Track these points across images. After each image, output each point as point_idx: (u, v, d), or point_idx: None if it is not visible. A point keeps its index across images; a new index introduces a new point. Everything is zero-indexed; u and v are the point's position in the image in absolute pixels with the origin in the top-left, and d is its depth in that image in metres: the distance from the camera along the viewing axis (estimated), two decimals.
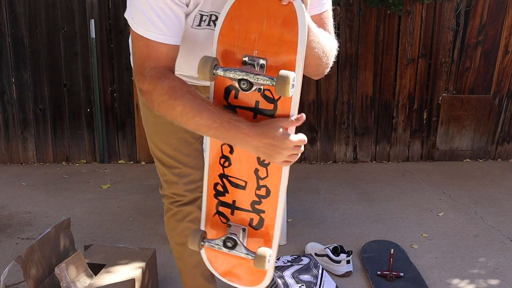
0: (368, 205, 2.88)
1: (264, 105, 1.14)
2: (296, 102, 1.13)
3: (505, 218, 2.69)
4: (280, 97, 1.12)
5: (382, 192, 3.09)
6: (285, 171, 1.19)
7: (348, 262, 2.12)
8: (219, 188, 1.26)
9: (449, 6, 3.39)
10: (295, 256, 2.11)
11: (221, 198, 1.26)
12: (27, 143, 3.64)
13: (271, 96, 1.13)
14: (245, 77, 1.06)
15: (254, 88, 1.07)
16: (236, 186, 1.24)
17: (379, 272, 2.08)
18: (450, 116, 3.62)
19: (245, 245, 1.22)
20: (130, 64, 3.66)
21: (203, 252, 1.30)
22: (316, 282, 1.91)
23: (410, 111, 3.61)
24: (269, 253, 1.17)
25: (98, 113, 3.55)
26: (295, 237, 2.46)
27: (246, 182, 1.23)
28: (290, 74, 1.02)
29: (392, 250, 2.11)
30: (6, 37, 3.43)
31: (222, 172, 1.24)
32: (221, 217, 1.27)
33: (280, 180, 1.20)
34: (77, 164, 3.66)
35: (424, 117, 3.63)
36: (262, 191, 1.22)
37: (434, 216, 2.72)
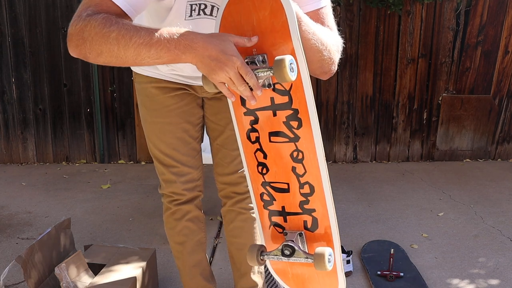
0: (368, 205, 2.88)
1: (279, 99, 1.14)
2: (308, 90, 1.10)
3: (505, 218, 2.69)
4: (291, 86, 1.11)
5: (382, 192, 3.09)
6: (322, 163, 1.16)
7: (348, 262, 2.12)
8: (266, 197, 1.24)
9: (449, 6, 3.39)
10: None
11: (271, 208, 1.25)
12: (27, 143, 3.64)
13: (282, 88, 1.12)
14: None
15: (260, 83, 1.06)
16: (280, 190, 1.23)
17: (379, 272, 2.08)
18: (450, 116, 3.62)
19: (304, 250, 1.20)
20: None
21: (271, 269, 1.28)
22: None
23: (410, 111, 3.61)
24: (328, 251, 1.14)
25: (98, 113, 3.55)
26: None
27: (288, 184, 1.21)
28: (285, 57, 0.99)
29: (392, 250, 2.11)
30: (6, 37, 3.43)
31: (263, 180, 1.23)
32: (276, 228, 1.26)
33: (320, 172, 1.17)
34: (77, 164, 3.66)
35: (424, 117, 3.63)
36: (306, 189, 1.20)
37: (434, 216, 2.72)
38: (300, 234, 1.23)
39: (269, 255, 1.20)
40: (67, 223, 1.94)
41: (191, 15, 1.23)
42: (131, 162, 3.69)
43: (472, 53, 3.50)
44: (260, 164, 1.22)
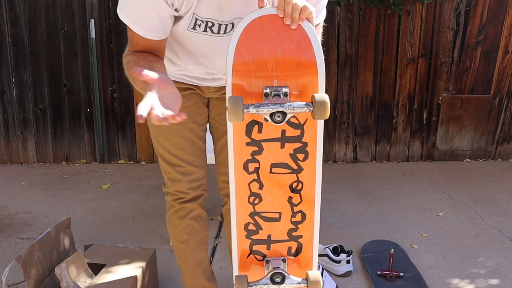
0: (368, 205, 2.88)
1: (291, 132, 1.13)
2: (321, 124, 1.12)
3: (505, 218, 2.69)
4: (306, 121, 1.11)
5: (382, 192, 3.09)
6: (319, 190, 1.17)
7: (348, 262, 2.12)
8: (251, 227, 1.22)
9: (449, 6, 3.39)
10: None
11: (255, 237, 1.22)
12: (27, 143, 3.64)
13: (297, 122, 1.12)
14: (280, 109, 1.03)
15: (287, 118, 1.04)
16: (271, 220, 1.21)
17: (379, 272, 2.08)
18: (450, 116, 3.62)
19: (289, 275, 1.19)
20: None
21: None
22: None
23: (410, 111, 3.61)
24: (319, 275, 1.16)
25: (98, 113, 3.55)
26: None
27: (280, 213, 1.20)
28: (326, 97, 1.01)
29: (392, 250, 2.11)
30: (6, 37, 3.43)
31: (253, 211, 1.20)
32: (256, 256, 1.24)
33: (314, 200, 1.18)
34: (77, 164, 3.66)
35: (424, 117, 3.63)
36: (298, 217, 1.20)
37: (434, 216, 2.72)
38: (284, 260, 1.22)
39: (257, 284, 1.17)
40: (67, 223, 1.94)
41: (194, 28, 1.25)
42: (131, 162, 3.69)
43: (472, 53, 3.50)
44: (253, 194, 1.19)
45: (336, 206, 2.86)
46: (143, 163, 3.68)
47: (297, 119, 1.11)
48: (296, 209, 1.19)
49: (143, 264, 1.83)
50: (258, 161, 1.15)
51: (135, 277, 1.73)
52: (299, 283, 1.17)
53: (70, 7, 3.38)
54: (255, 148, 1.14)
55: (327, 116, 1.01)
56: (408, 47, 3.47)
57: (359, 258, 2.26)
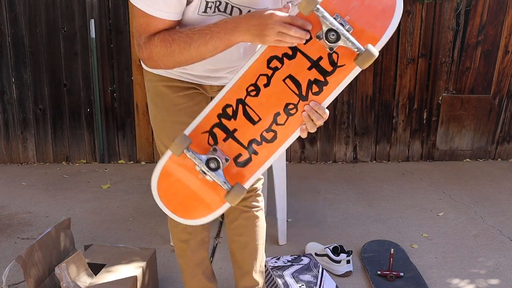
0: (368, 205, 2.88)
1: (325, 63, 1.16)
2: (348, 80, 1.17)
3: (505, 218, 2.69)
4: (343, 65, 1.15)
5: (382, 192, 3.09)
6: (297, 131, 1.21)
7: (348, 262, 2.12)
8: (228, 111, 1.22)
9: (449, 6, 3.39)
10: (295, 256, 2.11)
11: (224, 121, 1.23)
12: (27, 143, 3.64)
13: (335, 60, 1.15)
14: (338, 30, 1.09)
15: (338, 44, 1.10)
16: (248, 118, 1.22)
17: (379, 272, 2.08)
18: (450, 116, 3.62)
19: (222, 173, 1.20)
20: (130, 64, 3.67)
21: (169, 160, 1.24)
22: (316, 282, 1.91)
23: (410, 111, 3.61)
24: (244, 191, 1.16)
25: (98, 113, 3.55)
26: (295, 237, 2.46)
27: (260, 119, 1.21)
28: (376, 53, 1.08)
29: (392, 250, 2.11)
30: (6, 37, 3.43)
31: (242, 98, 1.21)
32: (210, 138, 1.24)
33: (292, 135, 1.21)
34: (77, 164, 3.66)
35: (424, 117, 3.63)
36: (269, 135, 1.21)
37: (434, 216, 2.72)
38: (227, 160, 1.22)
39: (194, 154, 1.18)
40: (67, 223, 1.94)
41: (205, 11, 1.24)
42: (131, 162, 3.69)
43: (472, 53, 3.50)
44: (255, 86, 1.21)
45: (336, 206, 2.86)
46: (143, 163, 3.68)
47: (338, 57, 1.15)
48: (274, 127, 1.21)
49: (143, 264, 1.83)
50: (283, 63, 1.18)
51: (135, 277, 1.73)
52: (224, 183, 1.17)
53: (70, 7, 3.38)
54: (289, 52, 1.18)
55: (365, 66, 1.09)
56: (408, 47, 3.47)
57: (359, 258, 2.26)
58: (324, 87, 1.17)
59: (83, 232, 2.54)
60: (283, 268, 1.99)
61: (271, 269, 1.97)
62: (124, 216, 2.74)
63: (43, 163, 3.68)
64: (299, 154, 3.68)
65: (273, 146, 1.22)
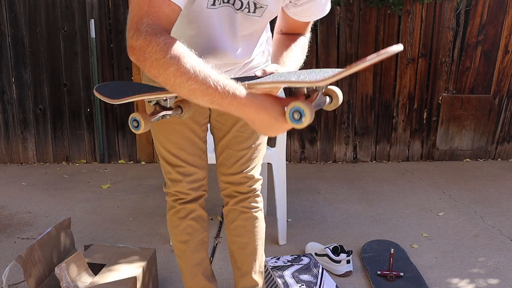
0: (368, 205, 2.88)
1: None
2: None
3: (505, 218, 2.69)
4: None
5: (382, 192, 3.09)
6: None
7: (348, 262, 2.12)
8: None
9: (449, 6, 3.39)
10: (295, 256, 2.10)
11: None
12: (27, 143, 3.65)
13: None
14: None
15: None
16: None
17: (379, 272, 2.08)
18: (450, 116, 3.62)
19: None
20: (130, 64, 3.67)
21: None
22: (316, 282, 1.91)
23: (410, 111, 3.61)
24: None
25: (98, 113, 3.55)
26: (295, 237, 2.46)
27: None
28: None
29: (392, 250, 2.11)
30: (6, 37, 3.43)
31: None
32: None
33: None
34: (77, 164, 3.66)
35: (424, 117, 3.63)
36: None
37: (434, 216, 2.72)
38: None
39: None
40: (67, 223, 1.94)
41: (213, 4, 1.23)
42: (131, 162, 3.69)
43: (472, 53, 3.50)
44: None
45: (336, 206, 2.86)
46: (143, 163, 3.68)
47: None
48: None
49: (143, 264, 1.83)
50: None
51: (135, 277, 1.73)
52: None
53: (70, 7, 3.38)
54: None
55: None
56: (408, 47, 3.47)
57: (359, 258, 2.26)
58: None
59: (83, 232, 2.54)
60: (283, 268, 1.99)
61: (271, 269, 1.97)
62: (124, 216, 2.74)
63: (43, 163, 3.68)
64: (299, 154, 3.68)
65: None
